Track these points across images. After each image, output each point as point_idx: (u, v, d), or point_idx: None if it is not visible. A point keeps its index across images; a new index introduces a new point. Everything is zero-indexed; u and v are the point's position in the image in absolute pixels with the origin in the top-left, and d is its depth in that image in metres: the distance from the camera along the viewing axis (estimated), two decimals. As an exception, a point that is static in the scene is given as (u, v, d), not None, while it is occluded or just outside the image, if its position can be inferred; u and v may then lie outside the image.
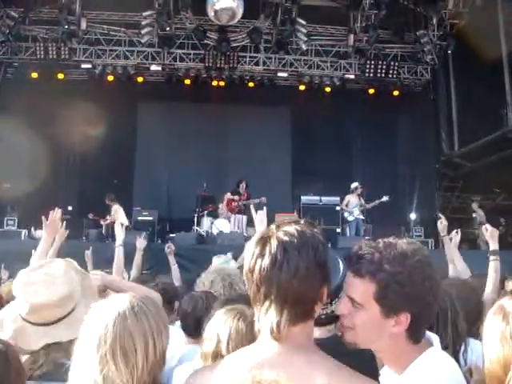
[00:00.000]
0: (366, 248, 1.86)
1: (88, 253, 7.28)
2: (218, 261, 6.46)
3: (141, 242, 7.18)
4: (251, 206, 5.63)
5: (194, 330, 3.33)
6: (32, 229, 13.65)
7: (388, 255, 1.83)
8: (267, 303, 1.69)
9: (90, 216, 14.60)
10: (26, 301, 2.30)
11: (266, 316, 1.70)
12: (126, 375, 1.77)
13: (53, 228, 4.47)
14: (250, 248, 1.75)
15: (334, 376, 1.67)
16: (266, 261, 1.68)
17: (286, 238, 1.70)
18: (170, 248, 7.37)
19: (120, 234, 5.38)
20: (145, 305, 1.89)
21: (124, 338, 1.79)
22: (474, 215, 15.27)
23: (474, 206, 15.20)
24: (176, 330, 3.64)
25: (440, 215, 6.17)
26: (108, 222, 14.08)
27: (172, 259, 7.20)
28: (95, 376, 1.77)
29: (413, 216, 15.80)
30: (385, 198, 14.46)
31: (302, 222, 1.80)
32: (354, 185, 14.67)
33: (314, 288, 1.71)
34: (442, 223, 5.77)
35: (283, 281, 1.66)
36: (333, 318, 2.18)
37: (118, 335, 1.79)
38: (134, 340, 1.80)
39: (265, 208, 4.77)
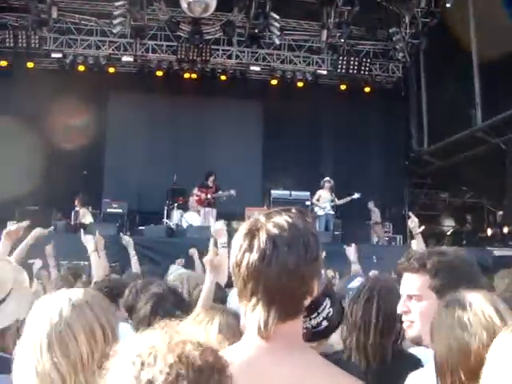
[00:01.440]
0: (412, 251, 2.13)
1: (48, 248, 6.79)
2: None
3: (91, 243, 5.70)
4: (210, 218, 5.70)
5: None
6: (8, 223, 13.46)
7: (432, 251, 2.22)
8: (254, 300, 1.61)
9: (59, 216, 14.40)
10: None
11: (254, 313, 1.61)
12: (65, 366, 1.73)
13: (12, 236, 4.62)
14: (238, 241, 1.65)
15: (326, 375, 1.64)
16: (254, 256, 1.59)
17: (275, 231, 1.61)
18: (127, 240, 7.25)
19: (90, 244, 5.36)
20: (84, 296, 1.87)
21: (62, 329, 1.76)
22: (371, 214, 15.22)
23: (370, 205, 15.22)
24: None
25: (409, 213, 6.19)
26: (75, 223, 13.96)
27: (131, 251, 7.07)
28: (32, 369, 1.74)
29: (370, 204, 15.72)
30: (356, 195, 14.53)
31: (294, 210, 1.71)
32: (326, 179, 14.73)
33: (304, 284, 1.63)
34: (413, 221, 5.74)
35: (272, 277, 1.58)
36: (321, 336, 2.20)
37: (55, 327, 1.76)
38: (72, 330, 1.77)
39: (221, 222, 4.86)
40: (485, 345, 1.63)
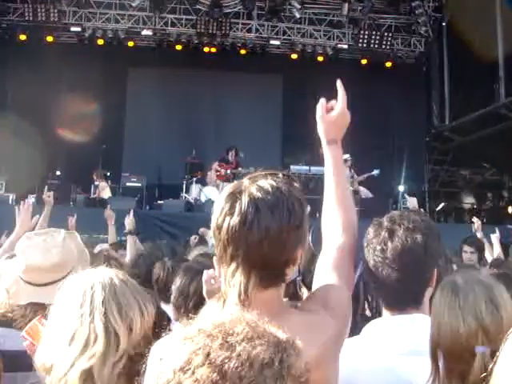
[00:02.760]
0: None
1: (71, 220, 6.58)
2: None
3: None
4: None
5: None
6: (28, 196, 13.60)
7: None
8: (234, 265, 1.56)
9: (79, 191, 14.49)
10: (23, 261, 2.55)
11: (233, 279, 1.57)
12: (122, 326, 1.74)
13: (25, 220, 4.69)
14: (220, 203, 1.60)
15: (306, 333, 1.59)
16: (236, 219, 1.54)
17: (258, 195, 1.56)
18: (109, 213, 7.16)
19: (128, 224, 5.34)
20: (127, 278, 1.89)
21: (118, 295, 1.79)
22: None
23: (405, 194, 15.06)
24: None
25: (474, 219, 6.51)
26: (94, 197, 14.03)
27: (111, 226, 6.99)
28: (94, 324, 1.73)
29: (401, 188, 15.79)
30: (375, 172, 14.43)
31: (280, 175, 1.66)
32: (345, 156, 14.60)
33: (287, 251, 1.58)
34: (477, 223, 6.09)
35: (252, 242, 1.53)
36: None
37: (114, 292, 1.78)
38: (127, 298, 1.79)
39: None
40: (473, 332, 1.62)
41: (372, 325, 2.02)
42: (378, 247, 1.93)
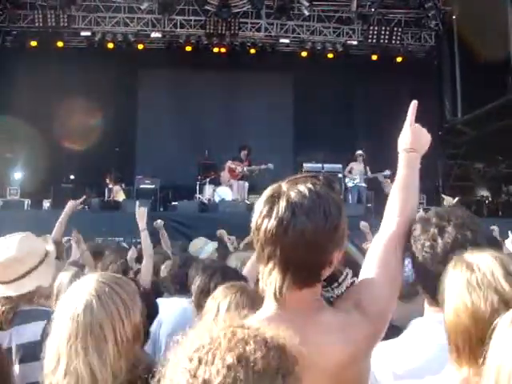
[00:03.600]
0: None
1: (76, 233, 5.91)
2: (191, 249, 6.23)
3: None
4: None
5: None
6: (43, 202, 13.73)
7: None
8: (271, 265, 1.63)
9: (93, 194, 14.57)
10: None
11: (270, 278, 1.64)
12: (97, 364, 1.79)
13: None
14: (259, 205, 1.68)
15: (339, 333, 1.67)
16: (273, 222, 1.61)
17: (295, 199, 1.62)
18: (158, 224, 7.23)
19: (142, 218, 5.23)
20: (110, 287, 1.91)
21: (94, 328, 1.83)
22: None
23: (380, 177, 14.92)
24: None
25: (443, 196, 6.40)
26: (109, 199, 14.14)
27: (163, 234, 7.11)
28: (63, 367, 1.81)
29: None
30: (386, 172, 14.37)
31: (321, 178, 1.72)
32: (358, 152, 14.59)
33: (322, 254, 1.64)
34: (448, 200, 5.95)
35: (287, 245, 1.60)
36: None
37: (89, 326, 1.83)
38: (103, 329, 1.82)
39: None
40: (496, 308, 1.53)
41: (416, 323, 2.04)
42: (427, 243, 1.94)
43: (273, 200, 1.65)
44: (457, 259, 1.70)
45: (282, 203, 1.62)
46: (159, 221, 7.28)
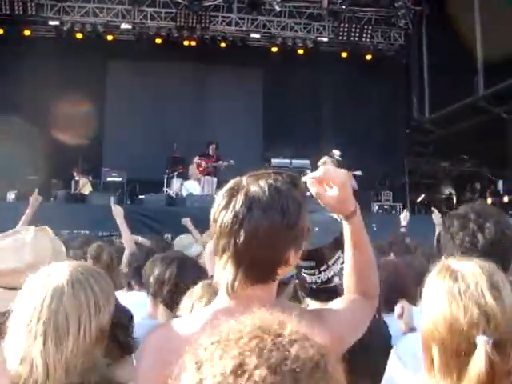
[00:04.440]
0: None
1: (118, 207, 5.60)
2: (179, 243, 6.17)
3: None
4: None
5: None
6: (7, 193, 13.50)
7: None
8: (225, 257, 1.62)
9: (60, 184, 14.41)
10: None
11: (223, 271, 1.63)
12: (53, 355, 1.69)
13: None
14: (218, 198, 1.67)
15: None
16: (229, 215, 1.59)
17: (253, 194, 1.60)
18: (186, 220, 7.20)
19: (119, 215, 5.24)
20: (86, 278, 1.81)
21: (58, 316, 1.72)
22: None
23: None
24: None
25: (433, 209, 6.53)
26: (75, 193, 13.97)
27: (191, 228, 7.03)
28: (20, 353, 1.71)
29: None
30: (358, 173, 14.44)
31: (285, 175, 1.68)
32: (336, 153, 14.58)
33: (277, 251, 1.61)
34: (436, 214, 6.02)
35: (241, 240, 1.57)
36: (329, 294, 2.00)
37: (54, 313, 1.72)
38: (68, 319, 1.72)
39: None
40: (475, 322, 1.48)
41: None
42: (467, 239, 1.98)
43: (232, 193, 1.63)
44: (441, 265, 1.66)
45: (240, 197, 1.61)
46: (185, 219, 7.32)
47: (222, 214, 1.61)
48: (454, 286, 1.56)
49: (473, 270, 1.58)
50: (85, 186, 14.03)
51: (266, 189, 1.61)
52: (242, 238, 1.57)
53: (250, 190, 1.62)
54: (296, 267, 1.90)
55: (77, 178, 14.20)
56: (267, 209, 1.59)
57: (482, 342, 1.43)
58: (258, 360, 0.99)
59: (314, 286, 2.00)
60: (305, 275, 2.00)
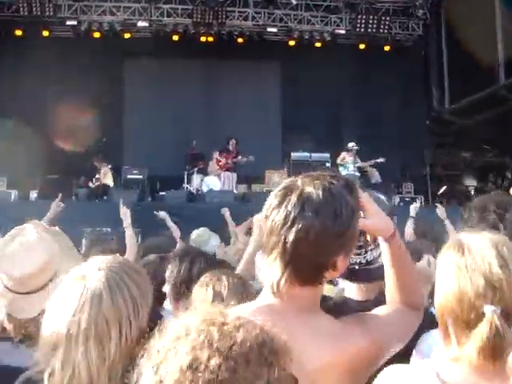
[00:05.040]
0: None
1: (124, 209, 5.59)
2: (196, 239, 6.10)
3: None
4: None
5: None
6: (30, 193, 13.64)
7: None
8: (272, 256, 1.63)
9: (82, 181, 14.53)
10: (7, 274, 2.25)
11: (270, 269, 1.64)
12: (96, 361, 1.65)
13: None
14: (271, 197, 1.67)
15: (322, 342, 1.62)
16: (280, 215, 1.59)
17: (307, 195, 1.60)
18: (163, 215, 7.27)
19: (126, 216, 5.26)
20: (121, 278, 1.76)
21: (98, 322, 1.67)
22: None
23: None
24: None
25: (437, 204, 6.56)
26: (97, 184, 14.02)
27: (170, 224, 7.10)
28: (60, 359, 1.66)
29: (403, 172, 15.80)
30: (380, 159, 14.43)
31: (341, 179, 1.68)
32: (351, 144, 14.57)
33: (325, 255, 1.60)
34: (440, 209, 6.01)
35: (291, 240, 1.57)
36: (374, 276, 2.00)
37: (93, 319, 1.67)
38: (108, 325, 1.67)
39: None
40: (481, 294, 1.52)
41: None
42: (488, 229, 1.95)
43: (285, 193, 1.63)
44: (452, 239, 1.69)
45: (294, 197, 1.60)
46: (162, 212, 7.37)
47: (274, 212, 1.62)
48: (461, 259, 1.60)
49: (480, 243, 1.61)
50: (106, 175, 14.06)
51: (321, 191, 1.60)
52: (291, 238, 1.57)
53: (304, 191, 1.61)
54: None
55: (99, 168, 14.23)
56: (320, 211, 1.58)
57: (490, 312, 1.48)
58: (210, 351, 1.08)
59: (357, 267, 1.97)
60: None
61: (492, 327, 1.46)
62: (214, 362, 1.06)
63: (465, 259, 1.59)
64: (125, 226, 5.19)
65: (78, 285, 1.74)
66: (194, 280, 2.89)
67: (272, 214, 1.62)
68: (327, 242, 1.59)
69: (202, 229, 6.33)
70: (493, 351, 1.46)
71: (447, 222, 5.91)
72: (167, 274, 3.25)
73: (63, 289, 1.77)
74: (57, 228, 2.67)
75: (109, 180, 14.03)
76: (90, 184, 14.21)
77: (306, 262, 1.60)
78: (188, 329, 1.13)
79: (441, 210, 6.16)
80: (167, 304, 3.31)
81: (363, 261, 1.93)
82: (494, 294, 1.51)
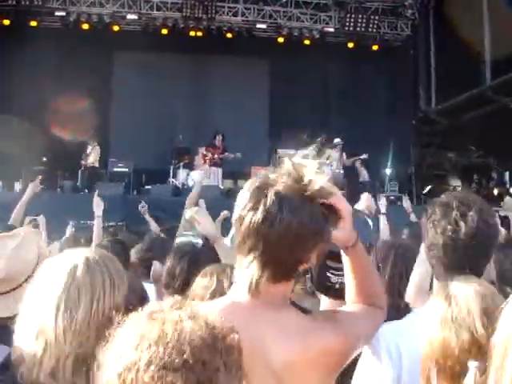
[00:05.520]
0: None
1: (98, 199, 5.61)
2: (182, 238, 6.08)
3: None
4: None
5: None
6: (15, 183, 13.58)
7: None
8: (251, 256, 1.61)
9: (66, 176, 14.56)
10: None
11: (248, 269, 1.62)
12: (63, 323, 1.69)
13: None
14: (245, 196, 1.63)
15: (292, 335, 1.65)
16: (259, 215, 1.57)
17: (284, 193, 1.59)
18: (144, 208, 7.33)
19: (99, 207, 5.31)
20: (102, 260, 1.83)
21: (70, 288, 1.73)
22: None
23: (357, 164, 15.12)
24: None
25: (402, 195, 6.70)
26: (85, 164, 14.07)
27: (147, 218, 7.16)
28: (36, 329, 1.71)
29: (388, 171, 15.88)
30: (364, 156, 14.54)
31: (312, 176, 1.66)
32: (336, 140, 14.64)
33: (304, 251, 1.63)
34: (406, 202, 6.12)
35: (271, 239, 1.57)
36: None
37: (66, 286, 1.73)
38: (80, 291, 1.73)
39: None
40: (466, 348, 1.54)
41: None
42: (450, 227, 1.97)
43: (260, 192, 1.61)
44: (440, 286, 1.71)
45: (270, 196, 1.58)
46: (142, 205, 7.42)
47: (250, 213, 1.59)
48: (447, 311, 1.60)
49: (467, 295, 1.61)
50: (95, 152, 14.16)
51: (296, 189, 1.61)
52: (272, 238, 1.57)
53: (280, 190, 1.60)
54: (324, 267, 1.91)
55: (90, 144, 14.38)
56: (296, 209, 1.58)
57: (473, 367, 1.47)
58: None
59: (337, 286, 1.99)
60: (330, 275, 2.02)
61: (475, 383, 1.46)
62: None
63: (451, 311, 1.60)
64: (96, 216, 5.25)
65: (59, 264, 1.80)
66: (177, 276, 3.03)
67: (248, 215, 1.60)
68: (305, 239, 1.61)
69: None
70: None
71: (412, 215, 5.98)
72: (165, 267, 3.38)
73: (44, 270, 1.82)
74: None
75: (94, 158, 14.29)
76: (82, 162, 14.27)
77: (285, 260, 1.61)
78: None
79: (407, 203, 6.23)
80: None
81: (344, 281, 1.97)
82: (478, 350, 1.52)
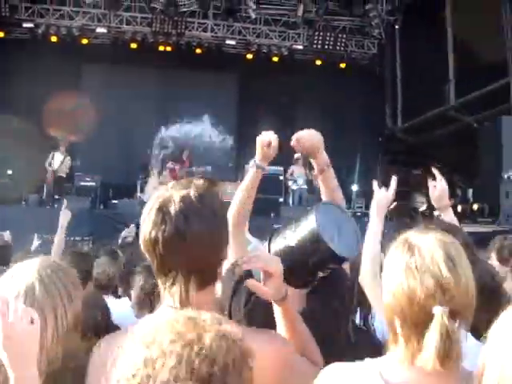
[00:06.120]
0: None
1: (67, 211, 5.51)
2: None
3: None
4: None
5: None
6: None
7: None
8: (173, 273, 1.62)
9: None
10: None
11: (175, 285, 1.63)
12: None
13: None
14: (149, 217, 1.64)
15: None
16: (170, 231, 1.59)
17: (185, 204, 1.61)
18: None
19: (64, 220, 5.21)
20: (54, 272, 1.84)
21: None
22: None
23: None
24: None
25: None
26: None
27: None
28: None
29: (354, 188, 16.02)
30: (296, 155, 14.63)
31: (202, 180, 1.71)
32: (296, 155, 14.74)
33: (220, 251, 1.68)
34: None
35: (188, 250, 1.59)
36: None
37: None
38: (43, 313, 1.72)
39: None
40: (431, 293, 1.54)
41: None
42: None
43: (162, 209, 1.62)
44: (400, 239, 1.69)
45: (173, 210, 1.61)
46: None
47: (159, 232, 1.60)
48: (410, 260, 1.60)
49: (429, 244, 1.62)
50: (65, 164, 14.12)
51: (194, 197, 1.64)
52: (188, 248, 1.60)
53: (180, 202, 1.62)
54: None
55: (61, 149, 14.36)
56: (202, 215, 1.62)
57: (439, 312, 1.50)
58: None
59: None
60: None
61: (441, 328, 1.49)
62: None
63: (414, 259, 1.59)
64: (60, 226, 5.14)
65: (12, 281, 1.80)
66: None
67: (159, 234, 1.60)
68: (218, 240, 1.67)
69: None
70: (441, 352, 1.48)
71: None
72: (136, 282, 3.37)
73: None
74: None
75: (57, 161, 14.19)
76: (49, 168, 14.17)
77: (208, 263, 1.65)
78: (163, 351, 1.13)
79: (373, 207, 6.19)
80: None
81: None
82: (443, 294, 1.53)
